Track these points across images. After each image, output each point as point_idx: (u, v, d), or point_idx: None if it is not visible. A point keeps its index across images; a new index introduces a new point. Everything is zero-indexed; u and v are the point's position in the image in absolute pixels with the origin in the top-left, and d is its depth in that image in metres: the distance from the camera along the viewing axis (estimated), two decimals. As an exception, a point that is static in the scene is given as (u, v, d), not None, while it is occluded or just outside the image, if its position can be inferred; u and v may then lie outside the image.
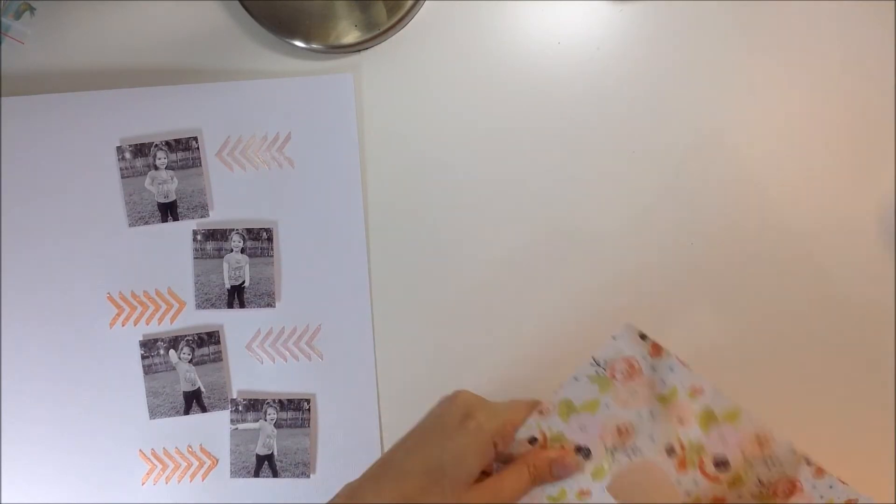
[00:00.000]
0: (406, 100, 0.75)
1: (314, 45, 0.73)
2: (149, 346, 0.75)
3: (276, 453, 0.75)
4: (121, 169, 0.75)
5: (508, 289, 0.74)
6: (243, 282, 0.75)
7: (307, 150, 0.75)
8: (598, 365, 0.57)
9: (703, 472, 0.55)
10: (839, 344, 0.71)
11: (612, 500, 0.56)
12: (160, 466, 0.75)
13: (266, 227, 0.75)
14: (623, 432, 0.57)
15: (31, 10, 0.75)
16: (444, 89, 0.74)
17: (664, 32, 0.73)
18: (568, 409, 0.57)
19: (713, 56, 0.73)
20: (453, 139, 0.74)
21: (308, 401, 0.75)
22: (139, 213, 0.75)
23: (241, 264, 0.75)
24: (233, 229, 0.75)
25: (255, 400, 0.75)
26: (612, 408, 0.56)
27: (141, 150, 0.75)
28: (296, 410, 0.75)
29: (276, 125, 0.75)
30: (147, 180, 0.75)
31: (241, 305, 0.75)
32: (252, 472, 0.75)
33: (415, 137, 0.75)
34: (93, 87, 0.75)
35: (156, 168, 0.75)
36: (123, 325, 0.75)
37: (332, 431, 0.75)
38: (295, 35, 0.72)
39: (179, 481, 0.75)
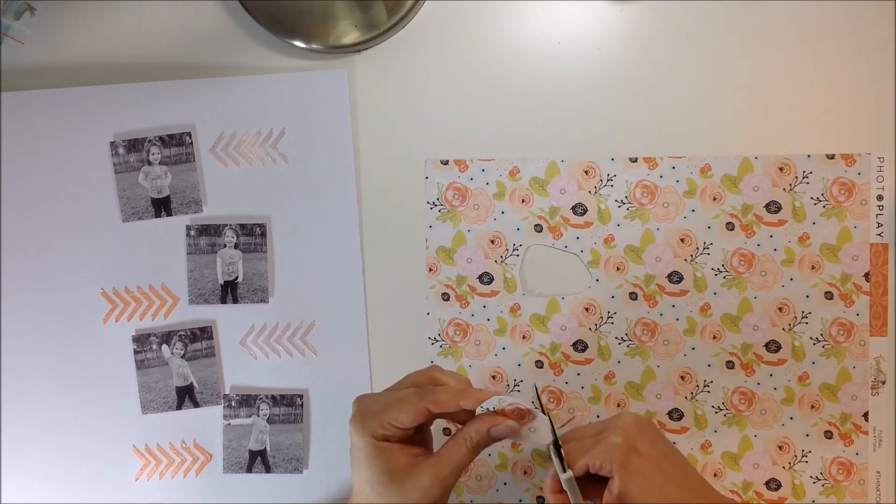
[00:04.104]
0: (405, 98, 0.74)
1: (314, 45, 0.72)
2: (141, 340, 0.75)
3: (268, 449, 0.75)
4: (114, 164, 0.75)
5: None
6: (237, 277, 0.75)
7: (301, 145, 0.75)
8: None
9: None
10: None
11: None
12: (153, 462, 0.75)
13: (259, 222, 0.75)
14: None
15: (31, 9, 0.74)
16: (443, 89, 0.74)
17: (664, 32, 0.73)
18: None
19: (713, 56, 0.73)
20: (452, 138, 0.74)
21: (301, 396, 0.75)
22: (132, 208, 0.75)
23: (234, 260, 0.75)
24: (226, 225, 0.75)
25: (248, 395, 0.75)
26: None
27: (134, 145, 0.74)
28: (289, 406, 0.75)
29: (270, 121, 0.74)
30: (140, 175, 0.75)
31: (235, 301, 0.75)
32: (245, 467, 0.75)
33: (413, 136, 0.74)
34: (90, 83, 0.75)
35: (149, 163, 0.74)
36: (117, 321, 0.75)
37: (325, 427, 0.75)
38: (295, 35, 0.72)
39: (173, 477, 0.75)
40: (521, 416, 0.58)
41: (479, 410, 0.58)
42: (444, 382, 0.60)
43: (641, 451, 0.57)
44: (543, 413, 0.59)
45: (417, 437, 0.61)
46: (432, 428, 0.63)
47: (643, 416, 0.60)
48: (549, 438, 0.58)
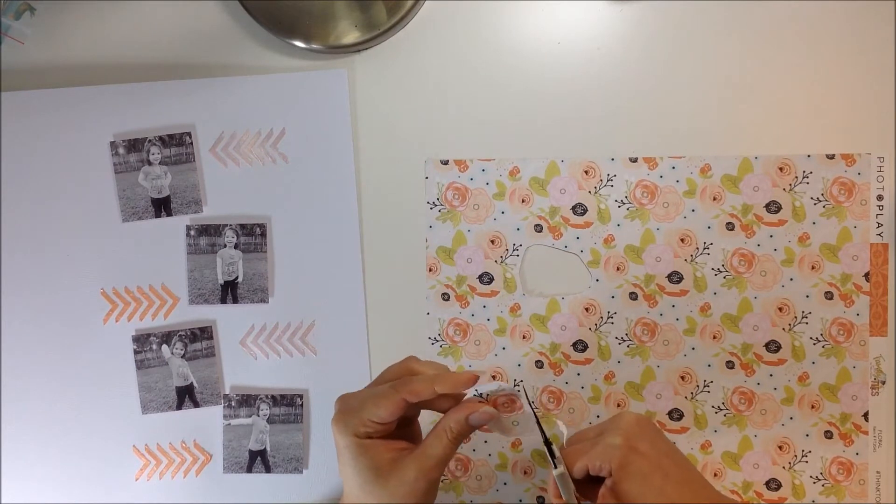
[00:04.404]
0: (405, 98, 0.74)
1: (314, 45, 0.72)
2: (141, 340, 0.75)
3: (268, 449, 0.75)
4: (114, 164, 0.75)
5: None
6: (237, 277, 0.75)
7: (301, 145, 0.75)
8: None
9: None
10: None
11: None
12: (154, 462, 0.75)
13: (259, 222, 0.75)
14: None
15: (31, 9, 0.74)
16: (443, 89, 0.74)
17: (664, 32, 0.73)
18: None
19: (713, 56, 0.73)
20: (452, 138, 0.74)
21: (301, 396, 0.75)
22: (133, 208, 0.75)
23: (234, 260, 0.75)
24: (226, 225, 0.75)
25: (248, 395, 0.75)
26: None
27: (134, 145, 0.74)
28: (289, 406, 0.75)
29: (270, 121, 0.74)
30: (140, 175, 0.75)
31: (235, 301, 0.75)
32: (245, 467, 0.75)
33: (413, 136, 0.74)
34: (90, 83, 0.75)
35: (149, 163, 0.74)
36: (117, 321, 0.75)
37: (325, 427, 0.75)
38: (295, 35, 0.72)
39: (173, 477, 0.75)
40: (512, 407, 0.58)
41: (470, 394, 0.58)
42: (421, 372, 0.60)
43: (642, 451, 0.56)
44: (531, 408, 0.59)
45: (404, 432, 0.61)
46: (426, 422, 0.63)
47: (644, 416, 0.60)
48: (532, 434, 0.58)
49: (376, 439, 0.58)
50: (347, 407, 0.58)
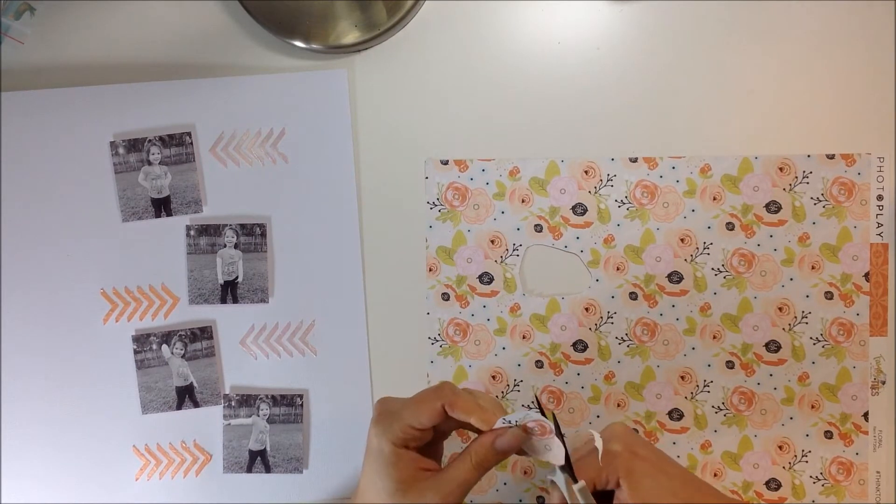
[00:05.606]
0: (405, 98, 0.74)
1: (314, 45, 0.72)
2: (141, 340, 0.75)
3: (268, 449, 0.75)
4: (114, 164, 0.75)
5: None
6: (237, 277, 0.75)
7: (301, 145, 0.75)
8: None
9: None
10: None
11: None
12: (153, 462, 0.75)
13: (259, 222, 0.75)
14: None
15: (31, 10, 0.74)
16: (443, 89, 0.74)
17: (664, 32, 0.73)
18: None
19: (713, 56, 0.73)
20: (452, 138, 0.74)
21: (301, 396, 0.75)
22: (132, 208, 0.75)
23: (234, 260, 0.75)
24: (226, 225, 0.75)
25: (248, 395, 0.75)
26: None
27: (134, 145, 0.74)
28: (289, 406, 0.75)
29: (270, 121, 0.74)
30: (140, 175, 0.75)
31: (235, 301, 0.75)
32: (245, 467, 0.75)
33: (413, 136, 0.74)
34: (90, 83, 0.75)
35: (149, 163, 0.74)
36: (117, 321, 0.75)
37: (325, 427, 0.75)
38: (295, 35, 0.72)
39: (173, 477, 0.75)
40: (543, 431, 0.58)
41: (499, 423, 0.57)
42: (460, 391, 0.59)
43: (642, 455, 0.57)
44: (559, 435, 0.58)
45: (432, 450, 0.60)
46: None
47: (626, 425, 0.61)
48: (561, 461, 0.57)
49: (411, 450, 0.57)
50: (388, 410, 0.58)
